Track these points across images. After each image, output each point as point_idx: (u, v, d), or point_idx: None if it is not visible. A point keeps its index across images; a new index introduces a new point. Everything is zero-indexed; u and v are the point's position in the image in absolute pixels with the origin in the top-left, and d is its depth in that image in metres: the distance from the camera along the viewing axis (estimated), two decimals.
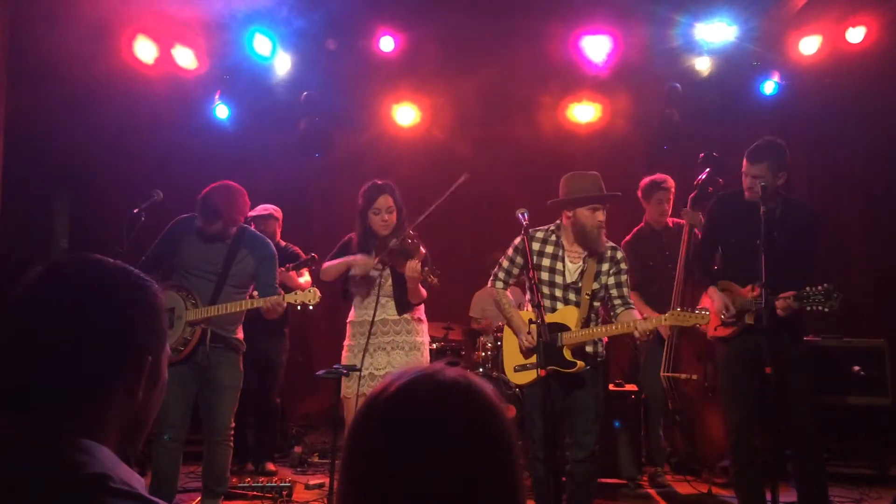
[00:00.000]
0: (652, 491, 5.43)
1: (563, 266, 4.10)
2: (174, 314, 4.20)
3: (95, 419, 1.20)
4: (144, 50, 6.78)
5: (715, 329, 4.33)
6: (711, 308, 4.29)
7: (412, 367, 1.15)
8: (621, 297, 4.11)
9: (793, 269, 3.95)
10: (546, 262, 4.11)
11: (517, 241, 4.16)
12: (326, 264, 4.48)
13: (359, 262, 4.34)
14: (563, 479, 4.06)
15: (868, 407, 5.59)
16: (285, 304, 4.20)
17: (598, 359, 4.13)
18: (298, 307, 4.21)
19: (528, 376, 4.04)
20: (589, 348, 4.08)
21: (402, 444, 1.05)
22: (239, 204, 4.36)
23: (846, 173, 7.23)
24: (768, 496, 3.81)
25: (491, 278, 4.29)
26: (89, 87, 6.44)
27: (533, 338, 3.95)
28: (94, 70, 6.37)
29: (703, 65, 6.87)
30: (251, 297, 4.42)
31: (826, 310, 3.82)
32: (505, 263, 4.23)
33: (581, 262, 4.10)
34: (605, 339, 4.21)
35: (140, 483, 1.17)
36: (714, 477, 5.47)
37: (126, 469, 1.17)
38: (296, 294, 4.19)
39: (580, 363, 3.96)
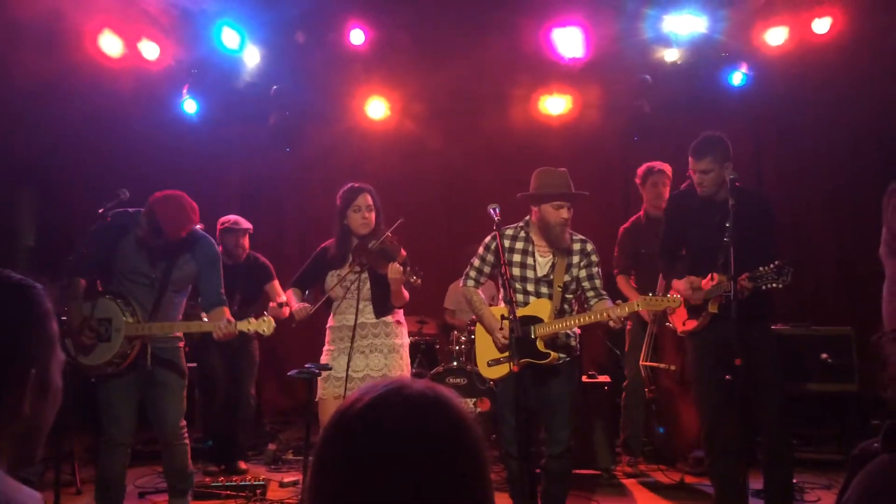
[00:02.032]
0: (626, 481, 5.48)
1: (534, 260, 4.14)
2: (111, 326, 4.02)
3: None
4: (110, 44, 6.66)
5: (683, 324, 4.38)
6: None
7: (380, 381, 1.14)
8: (594, 288, 4.15)
9: (754, 256, 4.00)
10: (517, 257, 4.15)
11: (488, 239, 4.22)
12: (295, 306, 4.36)
13: (296, 312, 4.28)
14: (538, 470, 4.08)
15: (836, 394, 5.69)
16: (237, 333, 4.06)
17: (574, 351, 4.16)
18: (252, 335, 4.09)
19: (502, 370, 4.09)
20: (563, 340, 4.11)
21: (371, 460, 1.05)
22: (186, 221, 4.06)
23: (813, 162, 7.31)
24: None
25: (463, 277, 4.34)
26: (53, 81, 6.32)
27: (506, 333, 3.98)
28: (59, 65, 6.25)
29: (672, 56, 6.91)
30: (198, 309, 4.32)
31: (780, 286, 3.87)
32: (476, 262, 4.27)
33: (551, 256, 4.15)
34: (578, 331, 4.24)
35: (33, 498, 1.14)
36: (687, 466, 5.53)
37: (14, 485, 1.13)
38: (249, 322, 4.04)
39: (554, 354, 3.98)
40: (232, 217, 5.89)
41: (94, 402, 4.18)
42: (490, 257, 4.22)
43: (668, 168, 5.78)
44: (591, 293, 4.15)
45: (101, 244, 4.14)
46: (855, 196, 7.01)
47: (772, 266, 3.88)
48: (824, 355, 5.69)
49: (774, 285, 3.88)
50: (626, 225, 5.90)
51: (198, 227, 4.26)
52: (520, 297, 4.10)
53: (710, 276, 4.13)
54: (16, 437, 1.19)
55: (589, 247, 4.18)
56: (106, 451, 4.13)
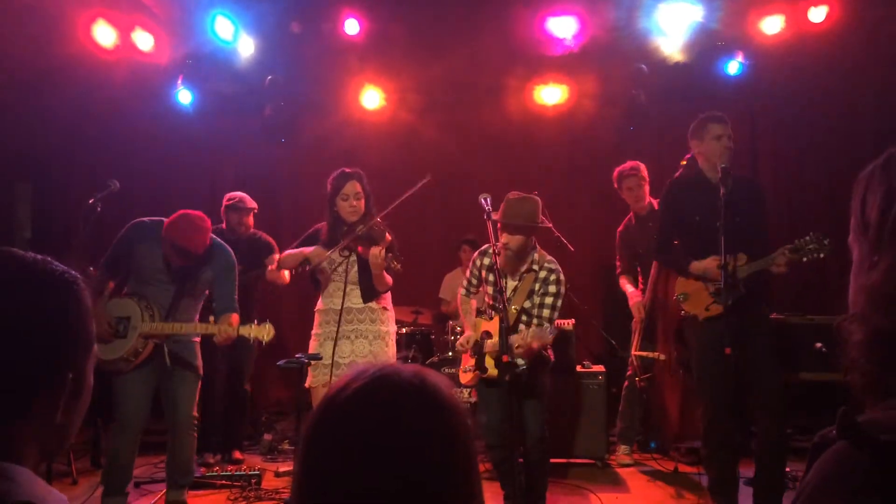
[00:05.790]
0: (620, 470, 5.50)
1: (505, 281, 4.28)
2: (129, 323, 4.19)
3: (10, 442, 1.09)
4: (103, 34, 6.63)
5: (707, 309, 4.22)
6: (692, 290, 4.30)
7: (368, 367, 1.13)
8: (539, 316, 4.23)
9: (751, 242, 3.99)
10: (490, 276, 4.30)
11: (475, 255, 4.45)
12: (285, 253, 4.49)
13: (313, 253, 4.34)
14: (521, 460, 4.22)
15: (830, 383, 5.68)
16: (236, 336, 4.14)
17: (544, 359, 4.28)
18: (251, 341, 4.21)
19: (467, 377, 4.39)
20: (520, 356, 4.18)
21: (356, 450, 1.04)
22: (203, 236, 4.19)
23: (809, 151, 7.30)
24: None
25: (460, 288, 4.60)
26: (47, 73, 6.31)
27: (467, 344, 4.32)
28: (52, 56, 6.25)
29: (668, 45, 6.88)
30: (211, 313, 4.40)
31: (822, 255, 3.84)
32: (468, 275, 4.52)
33: (517, 281, 4.29)
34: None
35: (63, 501, 1.12)
36: (680, 455, 5.55)
37: (45, 488, 1.10)
38: (250, 327, 4.13)
39: (492, 371, 4.13)
40: (238, 194, 5.96)
41: (96, 392, 4.24)
42: (476, 272, 4.44)
43: (639, 166, 5.73)
44: (535, 320, 4.22)
45: (122, 249, 4.32)
46: (851, 185, 6.95)
47: (809, 237, 3.85)
48: (818, 344, 5.69)
49: (817, 255, 3.84)
50: (620, 228, 5.89)
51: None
52: (492, 312, 4.34)
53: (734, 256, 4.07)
54: (44, 443, 1.15)
55: (552, 277, 4.23)
56: (116, 437, 4.25)
